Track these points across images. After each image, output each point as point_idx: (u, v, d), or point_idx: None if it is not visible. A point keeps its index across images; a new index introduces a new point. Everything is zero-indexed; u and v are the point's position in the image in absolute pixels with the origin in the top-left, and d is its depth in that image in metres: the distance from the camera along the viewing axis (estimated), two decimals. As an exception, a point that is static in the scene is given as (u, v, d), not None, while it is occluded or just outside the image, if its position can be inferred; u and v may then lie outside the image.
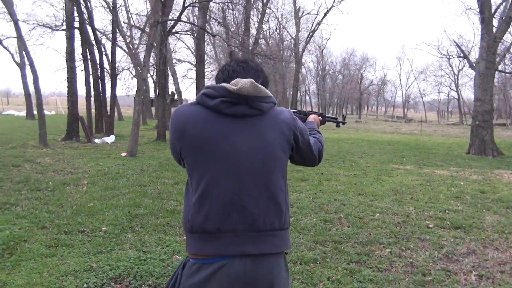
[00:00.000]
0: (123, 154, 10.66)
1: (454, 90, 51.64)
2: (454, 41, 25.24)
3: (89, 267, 3.52)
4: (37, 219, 4.86)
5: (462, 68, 47.36)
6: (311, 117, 2.20)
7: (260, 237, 1.51)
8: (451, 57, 36.48)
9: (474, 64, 15.16)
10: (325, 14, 32.65)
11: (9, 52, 25.63)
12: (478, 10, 13.26)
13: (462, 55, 20.75)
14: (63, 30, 16.20)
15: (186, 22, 18.15)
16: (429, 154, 13.10)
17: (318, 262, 3.81)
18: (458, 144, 17.91)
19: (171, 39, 28.24)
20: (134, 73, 25.51)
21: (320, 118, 2.27)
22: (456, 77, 49.53)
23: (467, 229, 4.94)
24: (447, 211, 5.73)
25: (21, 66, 23.15)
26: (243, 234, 1.49)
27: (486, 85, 12.77)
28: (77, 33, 15.44)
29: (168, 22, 14.33)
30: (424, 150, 14.38)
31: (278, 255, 1.56)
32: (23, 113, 29.09)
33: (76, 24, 15.33)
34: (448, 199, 6.53)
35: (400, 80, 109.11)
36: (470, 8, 14.25)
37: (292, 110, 1.97)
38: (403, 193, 6.91)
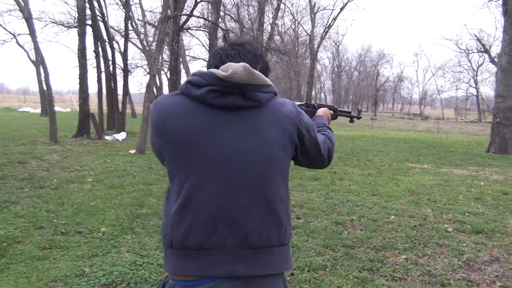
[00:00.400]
0: (132, 151, 10.51)
1: (473, 86, 50.45)
2: (475, 35, 24.54)
3: (82, 272, 3.31)
4: (35, 218, 4.68)
5: (482, 64, 46.19)
6: (321, 111, 1.90)
7: (253, 255, 1.24)
8: (470, 51, 35.48)
9: (496, 59, 14.60)
10: (341, 9, 32.12)
11: (25, 50, 25.89)
12: (500, 2, 12.73)
13: (483, 49, 20.05)
14: (75, 27, 16.17)
15: (198, 17, 17.94)
16: (447, 153, 12.65)
17: (328, 269, 3.53)
18: (477, 142, 17.35)
19: (185, 36, 28.16)
20: (148, 70, 25.47)
21: (332, 112, 1.97)
22: (475, 73, 48.38)
23: (489, 234, 4.59)
24: (467, 214, 5.38)
25: (36, 64, 23.31)
26: (233, 252, 1.22)
27: (509, 81, 12.24)
28: (89, 30, 15.41)
29: (181, 17, 14.13)
30: (441, 149, 13.91)
31: (275, 276, 1.29)
32: (39, 110, 29.34)
33: (89, 21, 15.28)
34: (468, 201, 6.16)
35: (417, 76, 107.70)
36: (492, 0, 13.64)
37: (297, 103, 1.70)
38: (420, 194, 6.57)
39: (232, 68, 1.21)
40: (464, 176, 8.42)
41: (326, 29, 34.01)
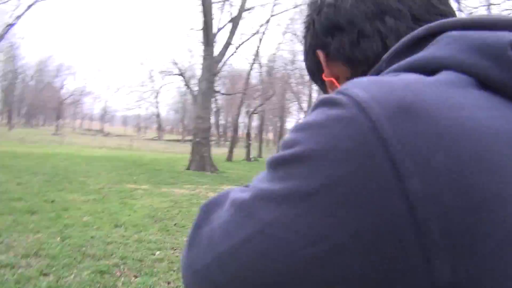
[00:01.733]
0: None
1: (154, 106, 55.06)
2: (173, 60, 26.66)
3: None
4: None
5: (162, 86, 51.08)
6: None
7: None
8: (167, 74, 38.13)
9: (197, 84, 16.01)
10: (29, 6, 28.07)
11: None
12: (201, 33, 14.08)
13: (179, 73, 21.80)
14: None
15: None
16: (156, 171, 12.80)
17: None
18: (173, 159, 18.54)
19: None
20: None
21: None
22: (157, 94, 52.85)
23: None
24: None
25: None
26: None
27: (207, 104, 13.62)
28: None
29: None
30: (149, 167, 14.00)
31: None
32: None
33: None
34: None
35: (100, 92, 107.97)
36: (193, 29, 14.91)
37: None
38: (164, 219, 6.15)
39: None
40: (187, 195, 8.58)
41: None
